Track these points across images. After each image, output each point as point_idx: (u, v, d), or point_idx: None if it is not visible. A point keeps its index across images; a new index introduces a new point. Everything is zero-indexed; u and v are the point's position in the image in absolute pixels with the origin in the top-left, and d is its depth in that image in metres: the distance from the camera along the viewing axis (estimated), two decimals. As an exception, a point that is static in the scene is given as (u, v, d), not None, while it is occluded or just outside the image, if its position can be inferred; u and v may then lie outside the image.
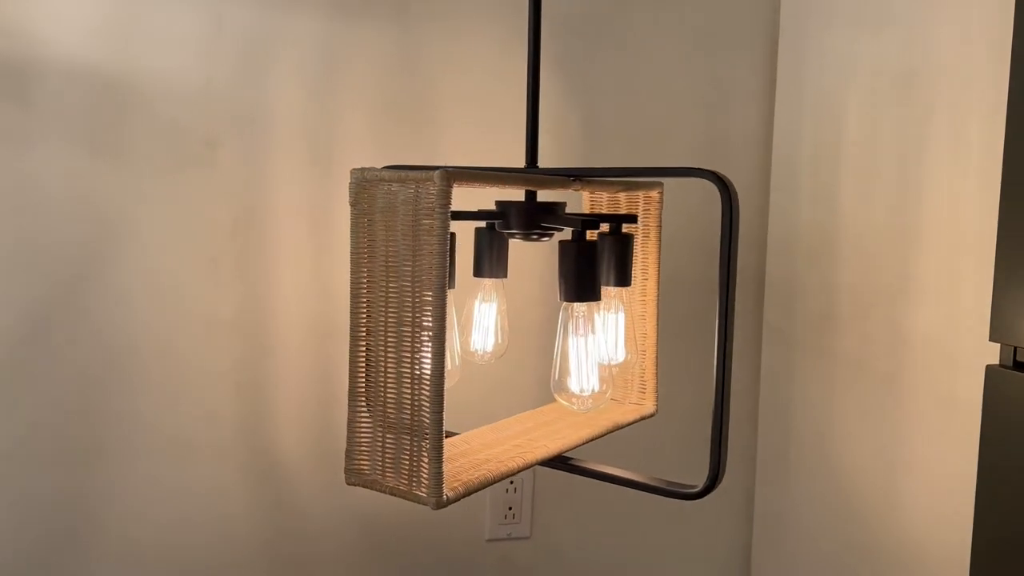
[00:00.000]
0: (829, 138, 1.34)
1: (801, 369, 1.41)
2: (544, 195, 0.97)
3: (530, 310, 1.35)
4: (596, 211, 1.11)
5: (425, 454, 0.76)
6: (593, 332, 0.86)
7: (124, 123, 1.18)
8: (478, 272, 1.01)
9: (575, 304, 0.86)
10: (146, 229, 1.19)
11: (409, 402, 0.77)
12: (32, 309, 1.15)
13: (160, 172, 1.19)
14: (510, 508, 1.40)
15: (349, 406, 0.80)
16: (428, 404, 0.75)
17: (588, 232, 0.85)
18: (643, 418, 1.09)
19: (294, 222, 1.25)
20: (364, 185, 0.78)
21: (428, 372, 0.75)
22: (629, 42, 1.41)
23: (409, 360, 0.76)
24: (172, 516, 1.24)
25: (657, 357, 1.10)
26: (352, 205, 0.79)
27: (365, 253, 0.79)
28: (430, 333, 0.75)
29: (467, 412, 1.12)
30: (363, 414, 0.80)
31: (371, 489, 0.80)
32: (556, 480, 1.42)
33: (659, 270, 1.09)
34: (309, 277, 1.27)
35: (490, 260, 1.00)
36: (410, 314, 0.76)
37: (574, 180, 0.91)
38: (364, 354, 0.79)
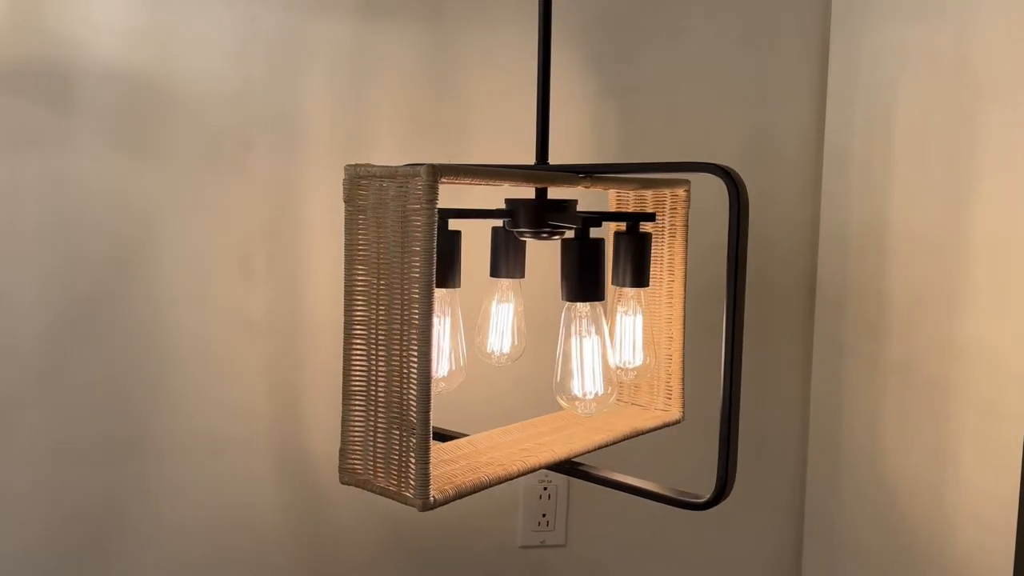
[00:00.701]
0: (879, 134, 1.28)
1: (851, 375, 1.34)
2: (566, 194, 0.95)
3: (549, 310, 1.32)
4: (622, 210, 1.08)
5: (412, 454, 0.74)
6: (597, 333, 0.83)
7: (161, 125, 1.20)
8: (495, 272, 0.99)
9: (578, 304, 0.83)
10: (182, 230, 1.22)
11: (398, 401, 0.75)
12: (71, 309, 1.19)
13: (196, 174, 1.22)
14: (543, 515, 1.37)
15: (343, 404, 0.79)
16: (415, 403, 0.74)
17: (591, 230, 0.82)
18: (667, 425, 1.05)
19: (325, 223, 1.26)
20: (357, 182, 0.77)
21: (415, 371, 0.73)
22: (672, 38, 1.37)
23: (398, 358, 0.75)
24: (205, 511, 1.26)
25: (684, 362, 1.06)
26: (346, 202, 0.78)
27: (359, 250, 0.78)
28: (417, 331, 0.73)
29: (483, 414, 1.10)
30: (356, 413, 0.79)
31: (364, 489, 0.79)
32: (592, 487, 1.39)
33: (686, 271, 1.05)
34: (339, 277, 1.27)
35: (506, 260, 0.98)
36: (399, 311, 0.75)
37: (584, 177, 0.89)
38: (357, 352, 0.78)
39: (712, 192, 1.39)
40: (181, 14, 1.20)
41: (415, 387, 0.74)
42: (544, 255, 1.07)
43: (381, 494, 0.77)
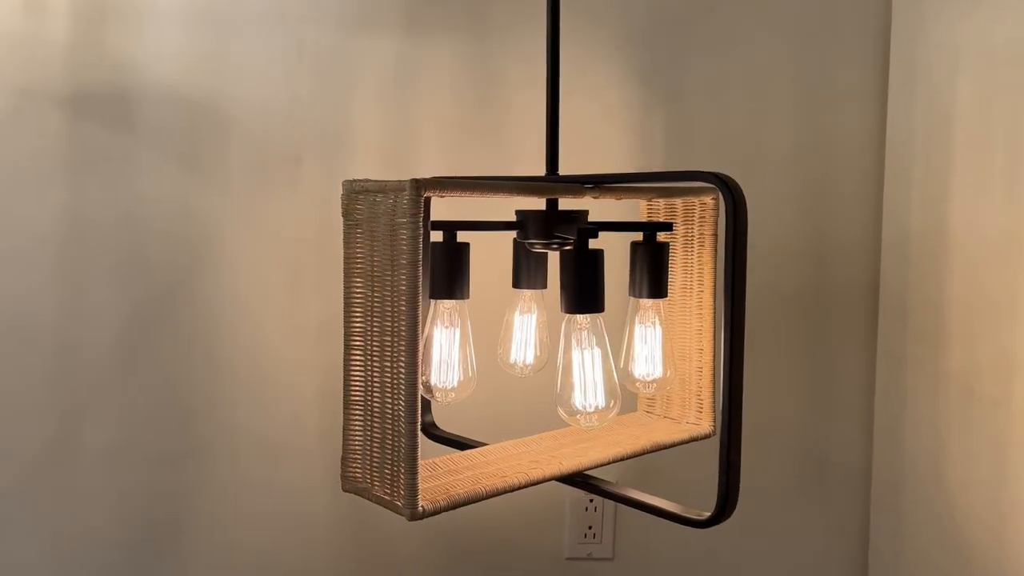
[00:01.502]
0: (938, 135, 1.21)
1: (913, 390, 1.27)
2: (578, 204, 0.94)
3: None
4: (652, 219, 1.06)
5: (402, 464, 0.75)
6: (598, 345, 0.82)
7: (217, 143, 1.26)
8: (516, 284, 1.00)
9: (578, 316, 0.82)
10: (236, 241, 1.27)
11: (391, 412, 0.76)
12: (135, 319, 1.26)
13: (248, 188, 1.27)
14: (590, 527, 1.36)
15: (344, 413, 0.81)
16: (403, 414, 0.75)
17: (590, 241, 0.81)
18: (696, 439, 1.02)
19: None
20: (353, 196, 0.79)
21: (403, 382, 0.74)
22: (721, 43, 1.34)
23: (390, 369, 0.76)
24: (259, 512, 1.31)
25: (715, 374, 1.03)
26: (344, 216, 0.80)
27: (356, 262, 0.80)
28: (404, 342, 0.74)
29: (505, 425, 1.10)
30: (355, 422, 0.80)
31: (362, 497, 0.80)
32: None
33: (715, 281, 1.02)
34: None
35: (528, 271, 0.98)
36: (390, 323, 0.76)
37: (592, 188, 0.88)
38: (355, 363, 0.80)
39: (767, 201, 1.35)
40: (233, 37, 1.25)
41: (403, 398, 0.75)
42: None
43: (377, 503, 0.79)
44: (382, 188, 0.76)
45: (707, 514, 0.79)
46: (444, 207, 1.12)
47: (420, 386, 0.75)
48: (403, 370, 0.75)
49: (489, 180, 0.78)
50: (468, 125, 1.30)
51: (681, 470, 1.37)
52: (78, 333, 1.25)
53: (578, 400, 0.83)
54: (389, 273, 0.76)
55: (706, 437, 1.03)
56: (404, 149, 1.29)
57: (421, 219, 0.73)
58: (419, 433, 0.75)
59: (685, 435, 1.02)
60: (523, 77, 1.30)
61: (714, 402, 1.04)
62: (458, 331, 0.90)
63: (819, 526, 1.40)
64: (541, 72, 1.31)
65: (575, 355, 0.83)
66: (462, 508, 1.33)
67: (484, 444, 0.98)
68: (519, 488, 0.83)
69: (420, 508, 0.75)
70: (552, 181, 0.88)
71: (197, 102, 1.25)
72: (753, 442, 1.37)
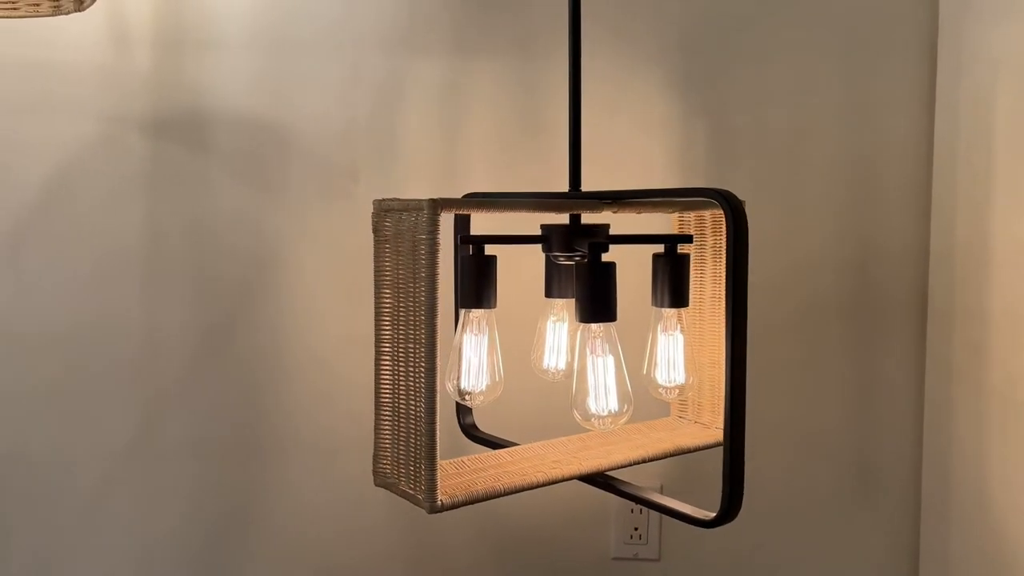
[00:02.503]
0: (981, 142, 1.21)
1: (960, 403, 1.27)
2: (600, 219, 0.98)
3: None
4: (684, 231, 1.10)
5: (423, 461, 0.82)
6: (611, 353, 0.87)
7: (280, 162, 1.36)
8: (548, 293, 1.05)
9: (592, 325, 0.87)
10: (298, 254, 1.36)
11: (414, 412, 0.83)
12: (207, 326, 1.37)
13: (310, 204, 1.36)
14: (636, 528, 1.40)
15: (375, 414, 0.88)
16: (424, 415, 0.81)
17: (603, 254, 0.86)
18: (721, 444, 1.05)
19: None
20: (382, 215, 0.86)
21: (423, 385, 0.81)
22: (765, 53, 1.36)
23: (413, 374, 0.83)
24: (321, 505, 1.39)
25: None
26: (374, 232, 0.87)
27: (384, 275, 0.87)
28: (424, 348, 0.81)
29: (546, 427, 1.15)
30: (384, 422, 0.87)
31: (392, 492, 0.87)
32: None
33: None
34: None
35: (558, 281, 1.04)
36: (413, 331, 0.83)
37: (611, 203, 0.93)
38: (384, 367, 0.87)
39: (812, 212, 1.37)
40: (295, 63, 1.35)
41: (423, 400, 0.81)
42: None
43: (403, 496, 0.85)
44: (406, 207, 0.83)
45: (713, 515, 0.83)
46: (486, 222, 1.19)
47: (439, 389, 0.81)
48: (423, 374, 0.81)
49: (502, 198, 0.84)
50: (513, 143, 1.36)
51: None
52: (158, 339, 1.36)
53: (592, 405, 0.88)
54: (412, 285, 0.82)
55: (733, 442, 1.06)
56: (452, 166, 1.36)
57: (438, 235, 0.80)
58: (437, 432, 0.81)
59: (711, 439, 1.05)
60: (565, 97, 1.35)
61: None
62: (486, 338, 0.96)
63: (868, 536, 1.40)
64: (588, 90, 1.36)
65: (589, 362, 0.88)
66: (510, 507, 1.40)
67: (512, 444, 1.04)
68: (537, 486, 0.89)
69: (439, 502, 0.82)
70: (563, 198, 0.92)
71: (263, 124, 1.35)
72: (801, 451, 1.39)
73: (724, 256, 1.07)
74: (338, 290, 1.37)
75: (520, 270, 1.10)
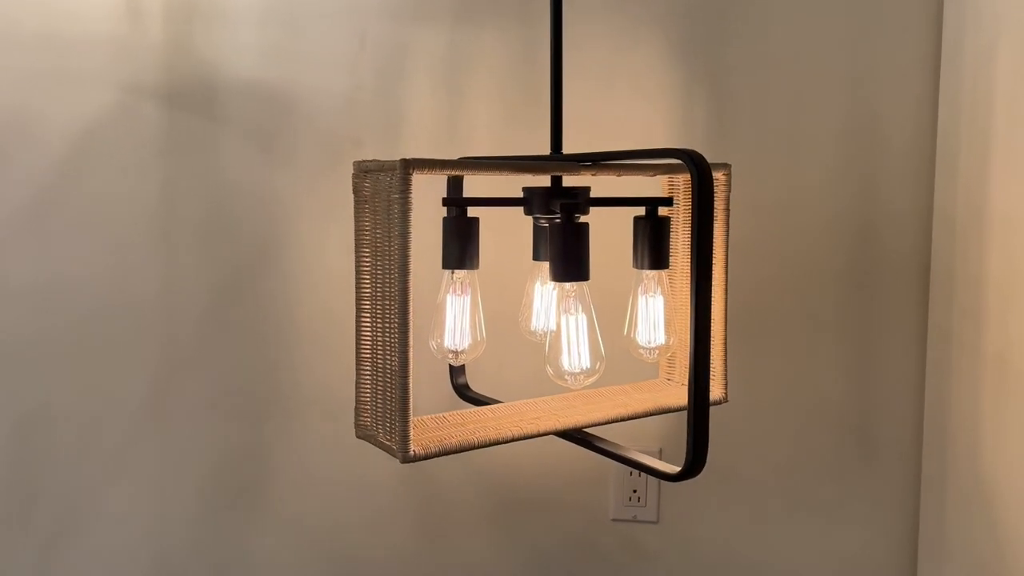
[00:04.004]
0: (981, 108, 1.19)
1: (957, 368, 1.26)
2: (581, 181, 1.00)
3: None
4: (673, 194, 1.11)
5: (396, 413, 0.85)
6: (584, 311, 0.89)
7: (288, 130, 1.39)
8: (536, 256, 1.07)
9: (565, 284, 0.89)
10: (307, 218, 1.40)
11: (390, 367, 0.86)
12: (220, 289, 1.41)
13: (317, 170, 1.39)
14: (634, 491, 1.42)
15: (356, 369, 0.91)
16: (397, 368, 0.84)
17: (578, 214, 0.88)
18: (706, 405, 1.07)
19: (426, 213, 1.39)
20: (362, 175, 0.89)
21: (396, 341, 0.84)
22: (767, 17, 1.35)
23: (390, 330, 0.86)
24: (329, 461, 1.44)
25: (726, 343, 1.07)
26: (354, 193, 0.90)
27: (364, 235, 0.90)
28: (397, 305, 0.84)
29: (538, 388, 1.17)
30: (365, 376, 0.91)
31: (371, 443, 0.90)
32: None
33: (727, 254, 1.06)
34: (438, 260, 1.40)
35: (545, 244, 1.06)
36: (389, 289, 0.86)
37: (591, 165, 0.94)
38: (364, 324, 0.90)
39: (820, 179, 1.36)
40: (302, 32, 1.38)
41: (396, 355, 0.84)
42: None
43: (381, 447, 0.89)
44: (382, 167, 0.85)
45: (678, 469, 0.85)
46: (483, 186, 1.21)
47: (411, 344, 0.84)
48: (397, 329, 0.84)
49: (476, 160, 0.86)
50: (516, 109, 1.37)
51: (725, 439, 1.41)
52: (174, 302, 1.41)
53: (565, 362, 0.90)
54: (387, 244, 0.85)
55: (717, 403, 1.08)
56: (456, 132, 1.38)
57: (410, 195, 0.82)
58: (411, 385, 0.84)
59: (694, 400, 1.06)
60: (569, 63, 1.35)
61: (725, 370, 1.08)
62: (468, 298, 0.99)
63: (867, 502, 1.41)
64: (588, 56, 1.38)
65: (562, 321, 0.90)
66: (510, 468, 1.42)
67: (496, 401, 1.07)
68: (511, 440, 0.91)
69: (412, 452, 0.85)
70: (540, 160, 0.94)
71: (272, 92, 1.39)
72: (801, 417, 1.40)
73: (714, 219, 1.08)
74: (346, 252, 1.40)
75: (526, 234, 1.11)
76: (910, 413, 1.38)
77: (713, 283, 1.07)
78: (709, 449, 1.40)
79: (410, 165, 0.82)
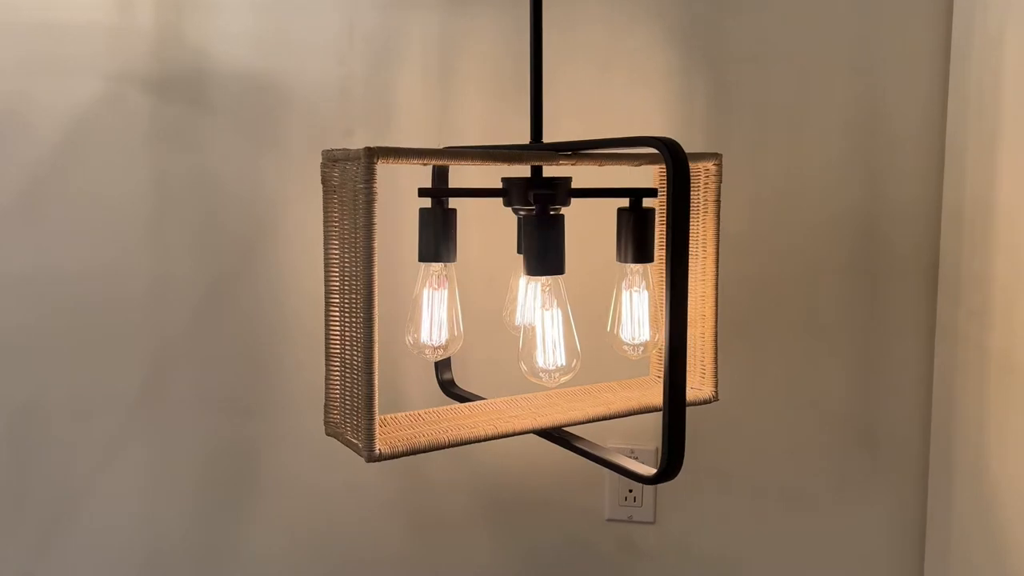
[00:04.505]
0: (989, 97, 1.14)
1: (963, 367, 1.21)
2: (607, 171, 0.96)
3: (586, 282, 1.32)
4: (663, 185, 1.07)
5: (362, 411, 0.82)
6: (559, 306, 0.86)
7: (279, 119, 1.37)
8: (519, 249, 1.04)
9: (540, 278, 0.86)
10: (297, 208, 1.38)
11: (356, 363, 0.83)
12: (212, 278, 1.40)
13: (308, 159, 1.37)
14: (630, 490, 1.38)
15: (325, 364, 0.89)
16: (361, 364, 0.81)
17: (551, 207, 0.85)
18: (693, 403, 1.03)
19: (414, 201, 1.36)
20: (330, 164, 0.86)
21: (360, 336, 0.81)
22: (768, 2, 1.31)
23: (356, 325, 0.83)
24: (321, 453, 1.41)
25: (717, 340, 1.04)
26: (323, 182, 0.87)
27: (332, 226, 0.87)
28: (362, 299, 0.81)
29: (524, 381, 1.14)
30: (334, 372, 0.88)
31: (339, 441, 0.88)
32: (686, 469, 1.37)
33: (718, 248, 1.02)
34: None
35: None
36: (355, 283, 0.83)
37: (569, 155, 0.91)
38: (333, 318, 0.87)
39: (827, 173, 1.32)
40: (293, 20, 1.35)
41: (360, 352, 0.81)
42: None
43: (348, 446, 0.86)
44: (347, 156, 0.82)
45: (654, 471, 0.81)
46: (474, 178, 1.18)
47: (377, 340, 0.81)
48: (361, 324, 0.81)
49: (446, 150, 0.82)
50: (510, 96, 1.34)
51: (723, 437, 1.37)
52: (165, 292, 1.40)
53: (539, 359, 0.87)
54: (354, 235, 0.82)
55: (706, 402, 1.04)
56: (448, 121, 1.35)
57: (375, 184, 0.79)
58: (376, 381, 0.81)
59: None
60: (563, 46, 1.32)
61: (716, 367, 1.04)
62: (446, 292, 0.96)
63: (872, 504, 1.36)
64: (582, 40, 1.34)
65: (536, 316, 0.87)
66: (504, 468, 1.39)
67: (480, 398, 1.04)
68: (485, 440, 0.88)
69: (377, 451, 0.82)
70: (509, 149, 0.90)
71: (262, 81, 1.36)
72: (802, 417, 1.35)
73: (700, 212, 1.04)
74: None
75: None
76: (916, 413, 1.33)
77: (704, 277, 1.04)
78: (707, 449, 1.37)
79: (375, 154, 0.79)
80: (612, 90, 1.33)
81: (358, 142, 1.36)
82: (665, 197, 1.02)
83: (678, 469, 0.79)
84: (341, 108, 1.36)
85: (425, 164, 0.82)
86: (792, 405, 1.36)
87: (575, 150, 0.88)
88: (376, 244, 0.80)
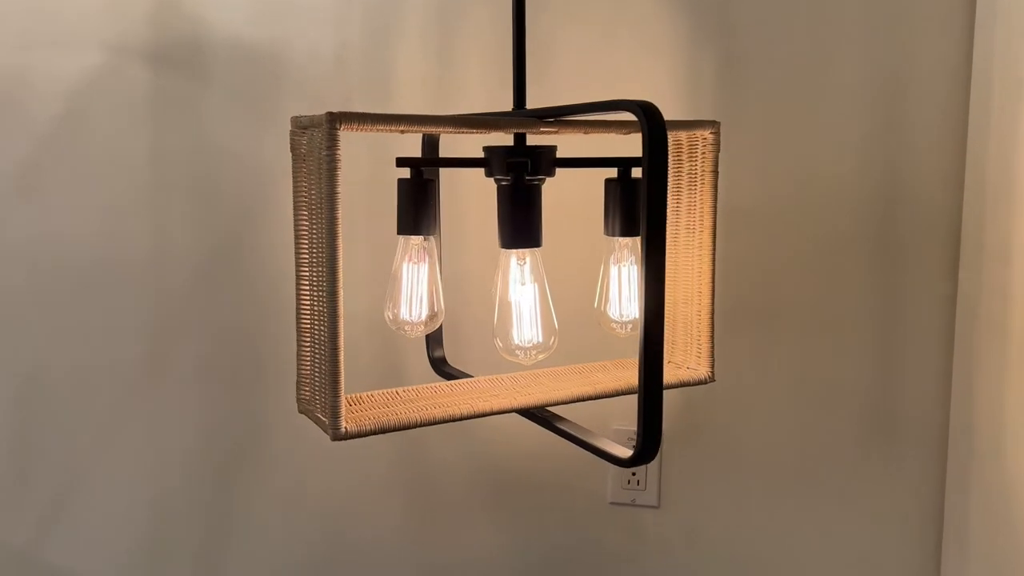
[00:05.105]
0: (1011, 64, 1.07)
1: (984, 348, 1.15)
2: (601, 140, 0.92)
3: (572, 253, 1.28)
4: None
5: (328, 388, 0.79)
6: (535, 281, 0.82)
7: (277, 90, 1.34)
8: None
9: (514, 251, 0.82)
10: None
11: (323, 339, 0.80)
12: (212, 249, 1.38)
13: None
14: (633, 474, 1.34)
15: (297, 340, 0.86)
16: (327, 339, 0.78)
17: (527, 176, 0.80)
18: (688, 383, 0.99)
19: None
20: (298, 132, 0.83)
21: (327, 308, 0.78)
22: (784, -31, 1.24)
23: (321, 299, 0.80)
24: (321, 435, 1.39)
25: (713, 318, 0.99)
26: (292, 150, 0.84)
27: (300, 195, 0.84)
28: (327, 271, 0.78)
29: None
30: (304, 348, 0.85)
31: (309, 418, 0.85)
32: (690, 454, 1.33)
33: (715, 221, 0.97)
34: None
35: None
36: (322, 255, 0.80)
37: (552, 122, 0.86)
38: (304, 292, 0.84)
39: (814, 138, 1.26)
40: (289, -11, 1.32)
41: (326, 324, 0.78)
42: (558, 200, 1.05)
43: (317, 424, 0.83)
44: (313, 122, 0.79)
45: (630, 453, 0.77)
46: (467, 145, 1.14)
47: (342, 314, 0.78)
48: (326, 297, 0.78)
49: (414, 116, 0.79)
50: (509, 64, 1.29)
51: (732, 422, 1.33)
52: (165, 263, 1.38)
53: (515, 335, 0.83)
54: (319, 204, 0.79)
55: (701, 383, 1.00)
56: (448, 90, 1.31)
57: (338, 150, 0.76)
58: (342, 357, 0.78)
59: (674, 379, 0.98)
60: (567, 10, 1.27)
61: (712, 346, 0.99)
62: (425, 267, 0.92)
63: (888, 491, 1.30)
64: (585, 5, 1.29)
65: (512, 291, 0.83)
66: (506, 450, 1.36)
67: (467, 375, 1.01)
68: (460, 419, 0.85)
69: (343, 429, 0.79)
70: (484, 117, 0.86)
71: (260, 51, 1.33)
72: (815, 400, 1.30)
73: (698, 184, 0.99)
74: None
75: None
76: (935, 396, 1.27)
77: (701, 253, 0.99)
78: (715, 434, 1.33)
79: (337, 119, 0.75)
80: (617, 60, 1.28)
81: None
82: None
83: (654, 452, 0.75)
84: (339, 77, 1.33)
85: (392, 131, 0.78)
86: (805, 388, 1.31)
87: (548, 117, 0.83)
88: (340, 214, 0.76)
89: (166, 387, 1.41)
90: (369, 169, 1.31)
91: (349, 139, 1.32)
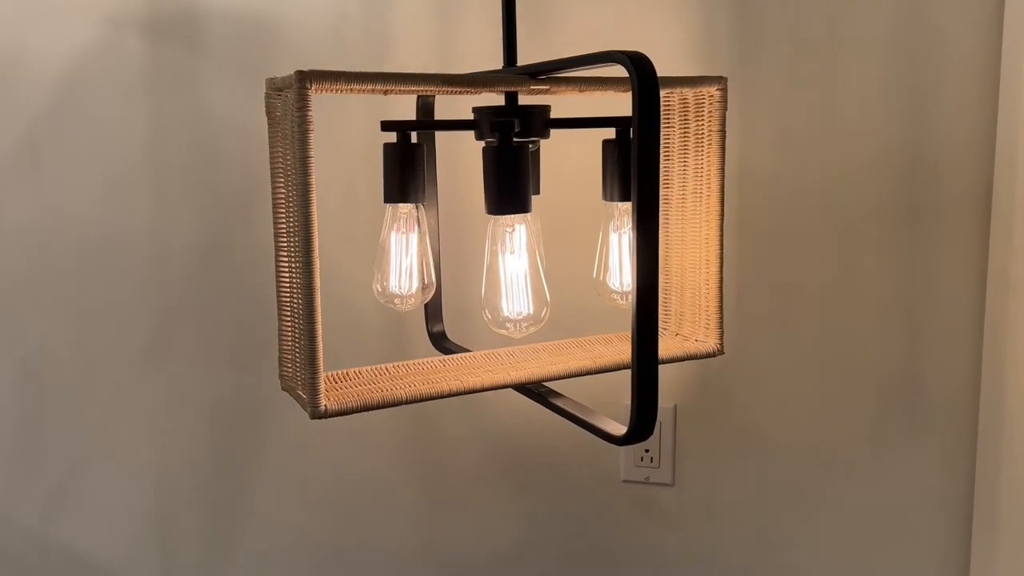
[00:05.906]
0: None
1: (1017, 319, 1.08)
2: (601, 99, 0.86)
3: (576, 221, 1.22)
4: (669, 115, 0.96)
5: (306, 363, 0.75)
6: (525, 249, 0.77)
7: (274, 61, 1.30)
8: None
9: (502, 217, 0.77)
10: (295, 155, 1.31)
11: (300, 312, 0.77)
12: (209, 227, 1.35)
13: (304, 102, 1.30)
14: (646, 451, 1.30)
15: (278, 315, 0.82)
16: (303, 312, 0.74)
17: (515, 136, 0.75)
18: (694, 356, 0.94)
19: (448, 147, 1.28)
20: (273, 94, 0.79)
21: (302, 280, 0.74)
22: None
23: (297, 270, 0.76)
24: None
25: (721, 288, 0.93)
26: (267, 114, 0.80)
27: (276, 162, 0.80)
28: (300, 240, 0.74)
29: (542, 336, 1.05)
30: (285, 323, 0.81)
31: (291, 396, 0.81)
32: (705, 431, 1.28)
33: (723, 185, 0.92)
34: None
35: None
36: (297, 223, 0.75)
37: (541, 79, 0.81)
38: (282, 263, 0.80)
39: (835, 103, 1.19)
40: (284, -48, 1.27)
41: (301, 296, 0.74)
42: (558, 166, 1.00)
43: (298, 401, 0.80)
44: (286, 84, 0.75)
45: (624, 429, 0.72)
46: (459, 110, 1.09)
47: (318, 285, 0.74)
48: (301, 269, 0.74)
49: (390, 74, 0.74)
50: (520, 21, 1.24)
51: (750, 396, 1.27)
52: (165, 241, 1.35)
53: (504, 307, 0.78)
54: (294, 171, 0.75)
55: (710, 355, 0.95)
56: (451, 56, 1.26)
57: (309, 111, 0.72)
58: (319, 332, 0.75)
59: (681, 352, 0.93)
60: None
61: (721, 317, 0.94)
62: (415, 236, 0.88)
63: (916, 467, 1.24)
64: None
65: (500, 260, 0.78)
66: (519, 428, 1.32)
67: (465, 350, 0.97)
68: (448, 395, 0.81)
69: (323, 407, 0.75)
70: (467, 76, 0.81)
71: (257, 23, 1.29)
72: (837, 375, 1.24)
73: (705, 144, 0.93)
74: (336, 190, 1.31)
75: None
76: (965, 370, 1.20)
77: (708, 218, 0.94)
78: (733, 409, 1.27)
79: (307, 78, 0.71)
80: (627, 16, 1.22)
81: (355, 81, 1.28)
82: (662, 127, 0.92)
83: (650, 430, 0.70)
84: (337, 48, 1.28)
85: (374, 92, 0.74)
86: (826, 363, 1.25)
87: (535, 73, 0.78)
88: (313, 179, 0.72)
89: (171, 364, 1.39)
90: (370, 136, 1.26)
91: (347, 105, 1.28)
